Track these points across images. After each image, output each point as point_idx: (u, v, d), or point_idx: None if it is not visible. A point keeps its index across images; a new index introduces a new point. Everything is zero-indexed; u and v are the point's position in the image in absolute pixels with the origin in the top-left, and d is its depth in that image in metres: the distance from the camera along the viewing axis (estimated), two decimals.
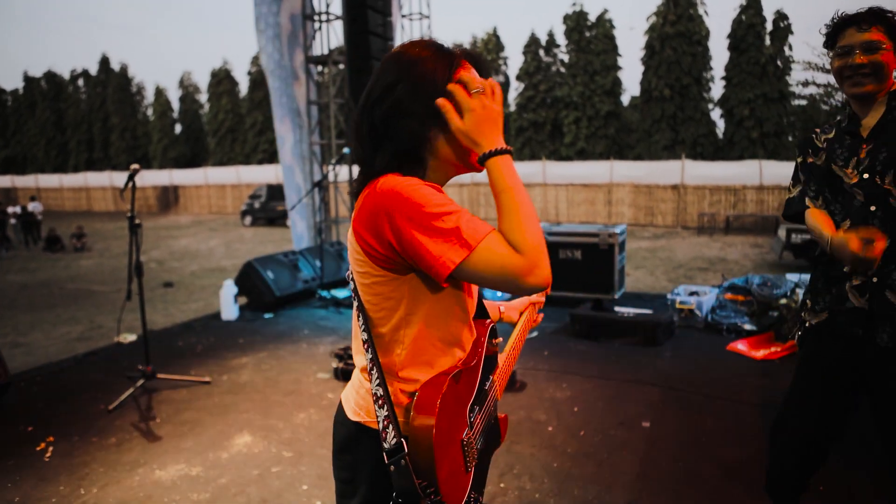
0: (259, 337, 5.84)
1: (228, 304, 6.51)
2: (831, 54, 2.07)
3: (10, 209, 19.37)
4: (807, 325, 2.21)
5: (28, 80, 48.20)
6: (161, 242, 19.09)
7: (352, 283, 1.30)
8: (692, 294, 6.11)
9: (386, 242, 1.14)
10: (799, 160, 2.29)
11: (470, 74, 1.24)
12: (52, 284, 12.04)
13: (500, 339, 1.44)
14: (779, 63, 26.49)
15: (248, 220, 24.43)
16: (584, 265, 6.45)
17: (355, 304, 1.28)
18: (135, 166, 4.30)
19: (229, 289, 6.54)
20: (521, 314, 1.75)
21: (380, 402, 1.19)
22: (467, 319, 1.31)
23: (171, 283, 11.52)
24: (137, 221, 4.36)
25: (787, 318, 5.30)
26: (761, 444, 3.47)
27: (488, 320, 1.41)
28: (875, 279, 2.02)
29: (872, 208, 2.03)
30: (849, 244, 1.87)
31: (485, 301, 1.56)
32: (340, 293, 6.97)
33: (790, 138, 27.89)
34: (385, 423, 1.17)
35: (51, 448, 3.58)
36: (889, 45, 1.96)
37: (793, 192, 2.29)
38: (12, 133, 49.15)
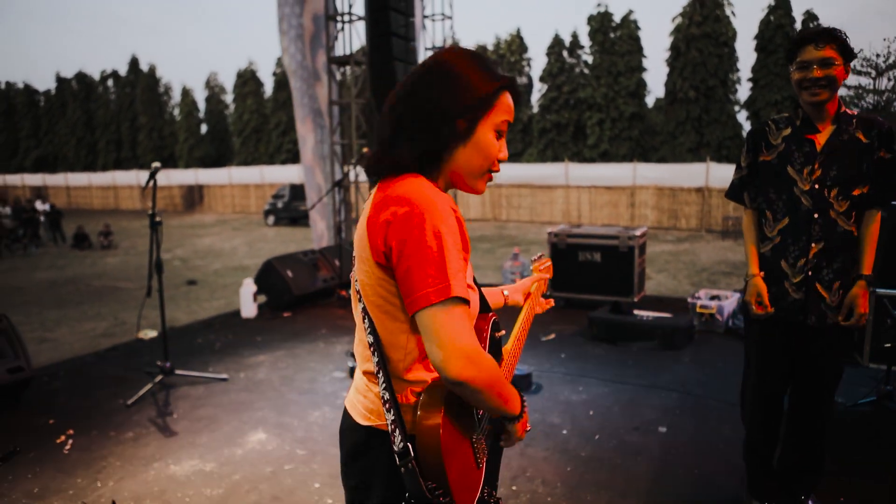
0: (277, 335, 5.88)
1: (248, 303, 6.57)
2: (792, 67, 2.39)
3: (40, 207, 19.79)
4: (752, 315, 2.60)
5: (60, 80, 49.30)
6: (185, 241, 19.36)
7: (355, 284, 1.29)
8: (713, 298, 6.01)
9: (388, 248, 1.16)
10: (746, 150, 2.62)
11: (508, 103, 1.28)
12: (79, 281, 12.28)
13: (503, 331, 1.41)
14: None
15: (271, 219, 24.66)
16: (603, 268, 6.40)
17: (360, 306, 1.28)
18: (156, 164, 4.35)
19: (249, 287, 6.60)
20: (526, 298, 1.74)
21: (387, 405, 1.20)
22: (476, 310, 1.32)
23: (194, 281, 11.68)
24: (158, 219, 4.42)
25: None
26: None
27: (491, 314, 1.40)
28: (810, 272, 2.45)
29: (815, 216, 2.42)
30: (751, 293, 2.54)
31: (486, 289, 1.57)
32: None
33: None
34: (392, 426, 1.18)
35: (70, 441, 3.64)
36: (840, 62, 2.30)
37: (734, 178, 2.70)
38: (44, 133, 50.29)
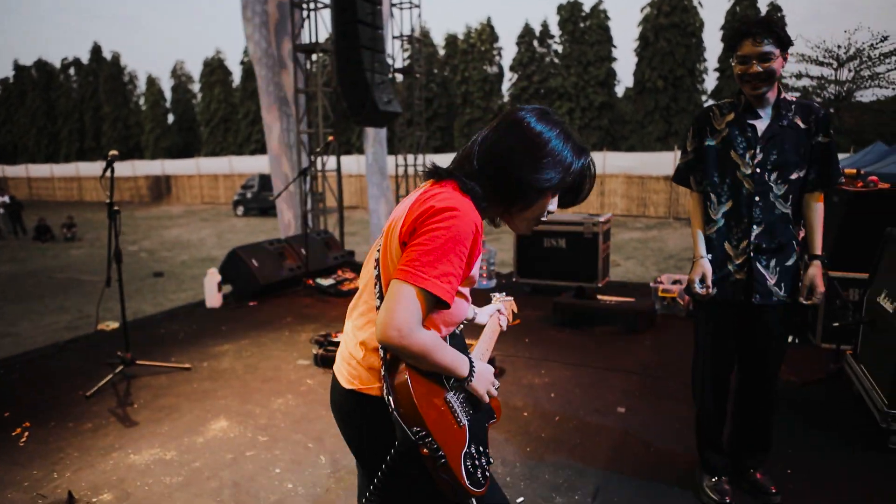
0: (242, 324, 5.84)
1: (212, 293, 6.50)
2: (733, 60, 2.47)
3: None
4: (695, 296, 2.68)
5: (18, 68, 47.85)
6: (152, 233, 19.04)
7: (376, 253, 1.47)
8: (675, 282, 6.13)
9: (413, 229, 1.35)
10: (692, 135, 2.68)
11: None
12: (42, 274, 12.02)
13: (462, 326, 1.61)
14: None
15: (240, 210, 24.38)
16: (568, 254, 6.47)
17: (375, 273, 1.45)
18: (113, 153, 4.28)
19: (213, 277, 6.53)
20: (490, 316, 1.94)
21: (382, 369, 1.38)
22: (459, 320, 1.50)
23: (161, 273, 11.52)
24: (116, 208, 4.36)
25: None
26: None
27: None
28: (751, 253, 2.55)
29: (757, 199, 2.52)
30: (696, 273, 2.61)
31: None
32: (324, 281, 6.96)
33: None
34: (381, 384, 1.37)
35: (27, 433, 3.58)
36: (778, 53, 2.37)
37: (680, 162, 2.78)
38: (2, 122, 48.88)
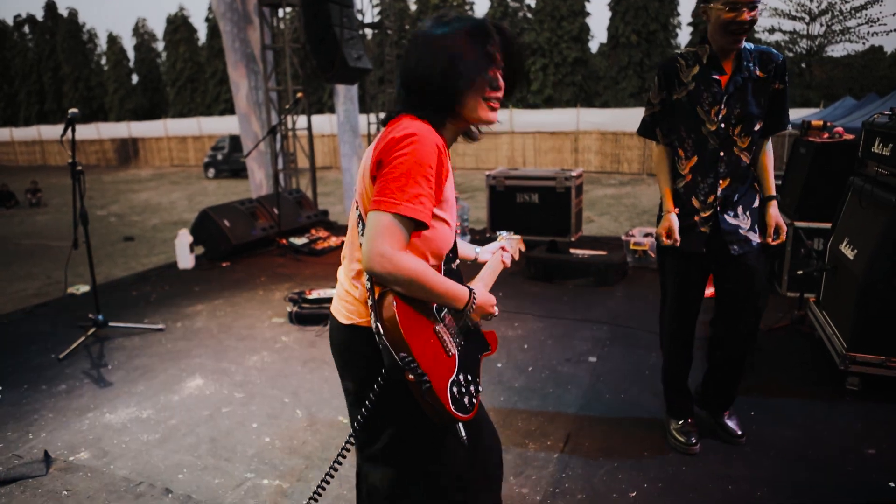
0: (215, 285, 5.80)
1: (184, 254, 6.43)
2: (716, 4, 2.35)
3: None
4: (663, 246, 2.70)
5: None
6: (121, 196, 18.64)
7: (356, 196, 1.53)
8: (647, 235, 6.21)
9: (379, 162, 1.40)
10: (658, 87, 2.62)
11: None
12: (7, 241, 11.74)
13: (458, 261, 1.69)
14: None
15: (211, 172, 23.93)
16: (541, 208, 6.51)
17: (356, 214, 1.53)
18: (73, 110, 4.16)
19: (185, 238, 6.45)
20: (493, 254, 1.96)
21: (369, 296, 1.44)
22: (447, 248, 1.54)
23: (131, 238, 11.32)
24: (79, 167, 4.25)
25: None
26: (699, 375, 3.61)
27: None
28: (718, 208, 2.59)
29: (721, 154, 2.53)
30: (663, 226, 2.60)
31: (462, 242, 1.91)
32: (298, 241, 6.92)
33: None
34: (371, 313, 1.42)
35: None
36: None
37: (645, 114, 2.73)
38: None
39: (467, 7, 32.54)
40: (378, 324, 1.38)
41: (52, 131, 34.68)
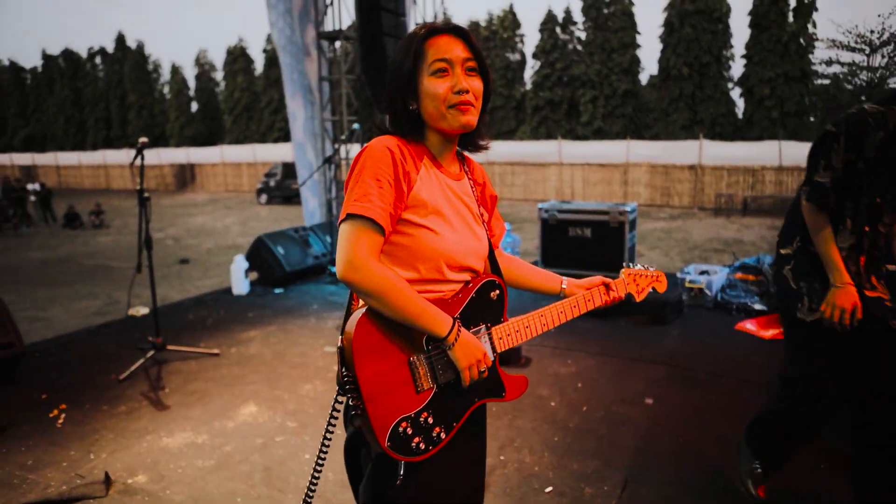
0: (268, 311, 5.90)
1: (239, 279, 6.58)
2: None
3: (30, 186, 19.64)
4: (802, 319, 2.32)
5: (46, 58, 48.55)
6: (177, 220, 19.28)
7: None
8: (702, 273, 6.06)
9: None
10: (845, 148, 2.17)
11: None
12: (71, 260, 12.24)
13: (498, 291, 1.54)
14: (801, 41, 25.91)
15: (263, 198, 24.55)
16: (593, 243, 6.42)
17: None
18: (143, 140, 4.33)
19: (240, 264, 6.60)
20: (587, 289, 1.75)
21: (346, 311, 1.44)
22: (444, 261, 1.45)
23: (186, 260, 11.66)
24: (146, 195, 4.41)
25: None
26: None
27: (490, 276, 1.54)
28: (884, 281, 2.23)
29: (890, 231, 2.22)
30: (848, 303, 2.16)
31: (537, 269, 1.79)
32: None
33: (811, 118, 27.38)
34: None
35: (63, 415, 3.67)
36: None
37: (823, 178, 2.22)
38: (32, 111, 49.66)
39: (517, 39, 32.85)
40: (340, 335, 1.36)
41: (116, 156, 36.32)
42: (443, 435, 1.40)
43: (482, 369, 1.42)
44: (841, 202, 2.26)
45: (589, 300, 1.72)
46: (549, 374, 4.20)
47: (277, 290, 6.64)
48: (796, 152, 19.94)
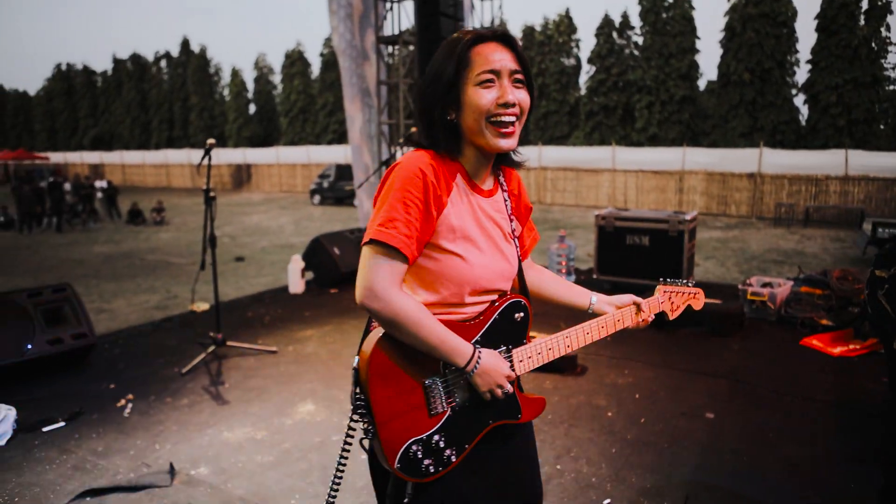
0: (324, 311, 5.99)
1: (296, 278, 6.70)
2: None
3: (98, 184, 20.52)
4: None
5: (116, 61, 50.76)
6: (234, 219, 19.81)
7: None
8: (765, 285, 5.86)
9: None
10: None
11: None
12: (134, 255, 12.72)
13: (522, 314, 1.49)
14: (873, 45, 24.77)
15: (316, 198, 24.99)
16: (651, 252, 6.30)
17: None
18: (211, 141, 4.46)
19: (297, 263, 6.73)
20: (617, 308, 1.67)
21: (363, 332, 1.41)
22: (469, 288, 1.40)
23: (242, 258, 11.96)
24: (212, 195, 4.54)
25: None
26: (831, 444, 3.32)
27: (516, 296, 1.49)
28: None
29: None
30: None
31: (566, 283, 1.71)
32: None
33: (882, 126, 26.15)
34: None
35: (130, 405, 3.81)
36: None
37: None
38: (101, 112, 51.94)
39: (573, 44, 32.55)
40: (356, 356, 1.34)
41: (177, 156, 37.61)
42: (454, 458, 1.38)
43: (504, 393, 1.39)
44: None
45: (619, 320, 1.65)
46: (606, 384, 4.13)
47: (333, 290, 6.74)
48: (864, 161, 19.10)
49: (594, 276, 6.70)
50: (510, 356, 1.45)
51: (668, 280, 1.80)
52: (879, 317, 2.30)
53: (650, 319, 1.70)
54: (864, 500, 2.72)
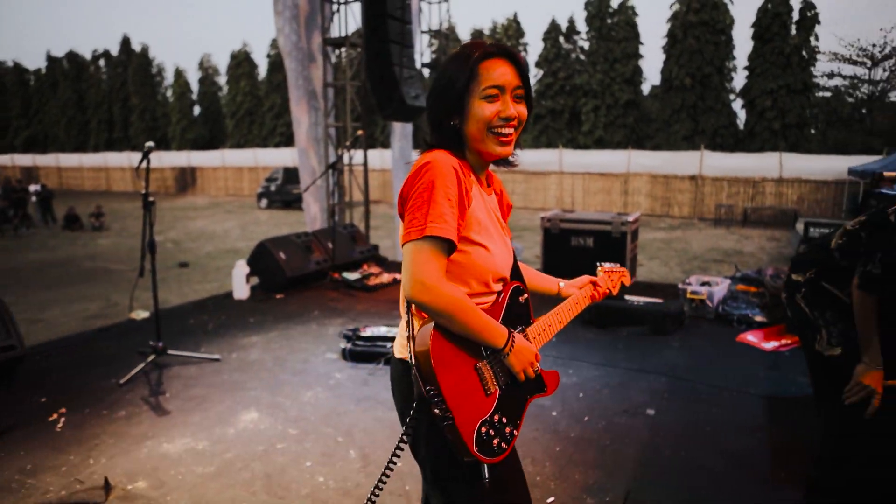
0: (269, 317, 5.89)
1: (240, 284, 6.57)
2: None
3: (32, 187, 19.65)
4: (820, 352, 2.32)
5: (50, 59, 48.68)
6: (177, 223, 19.28)
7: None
8: (704, 284, 6.06)
9: (404, 198, 1.45)
10: None
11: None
12: (71, 263, 12.23)
13: (527, 295, 1.65)
14: (804, 53, 25.98)
15: (264, 202, 24.58)
16: (595, 253, 6.43)
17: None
18: (149, 144, 4.33)
19: (241, 269, 6.60)
20: (580, 288, 1.92)
21: (407, 333, 1.47)
22: (491, 276, 1.54)
23: (186, 264, 11.66)
24: (151, 199, 4.41)
25: None
26: (767, 436, 3.46)
27: (515, 282, 1.63)
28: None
29: None
30: (879, 386, 2.12)
31: (540, 274, 1.93)
32: (351, 276, 6.99)
33: (812, 130, 27.44)
34: (408, 345, 1.44)
35: (63, 419, 3.65)
36: None
37: (876, 269, 2.16)
38: (34, 112, 49.74)
39: (521, 48, 32.95)
40: (412, 356, 1.40)
41: (117, 158, 36.39)
42: (515, 432, 1.49)
43: (535, 370, 1.52)
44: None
45: (586, 297, 1.90)
46: (558, 378, 4.19)
47: (278, 296, 6.63)
48: (797, 164, 20.01)
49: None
50: (526, 335, 1.59)
51: (604, 263, 2.08)
52: (799, 320, 2.40)
53: (607, 290, 1.98)
54: (795, 489, 2.84)
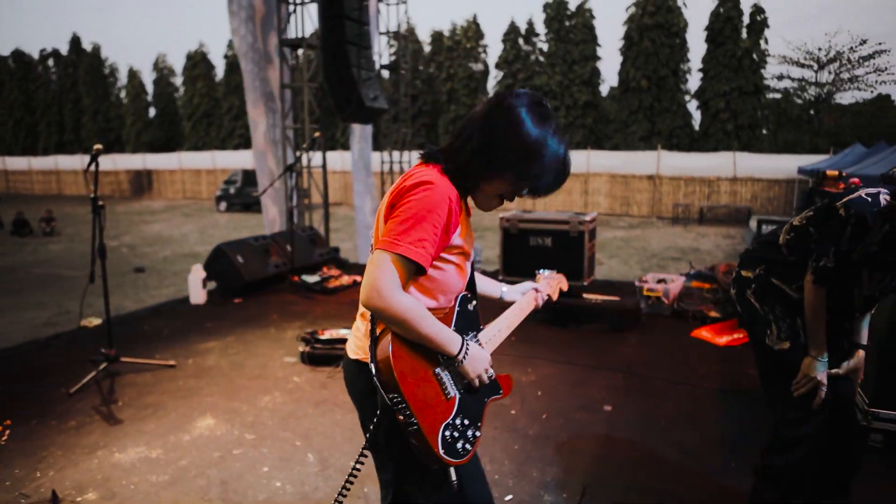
0: (227, 321, 5.79)
1: (197, 289, 6.44)
2: None
3: None
4: (770, 346, 2.38)
5: None
6: (133, 227, 18.80)
7: (371, 236, 1.61)
8: (660, 281, 6.19)
9: (394, 204, 1.47)
10: (854, 236, 2.16)
11: None
12: (19, 269, 11.82)
13: (474, 302, 1.67)
14: (754, 56, 26.79)
15: (222, 205, 24.16)
16: (554, 252, 6.49)
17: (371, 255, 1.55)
18: (98, 146, 4.21)
19: (198, 273, 6.47)
20: (523, 295, 2.02)
21: (369, 340, 1.49)
22: (458, 291, 1.59)
23: (142, 269, 11.38)
24: (101, 203, 4.29)
25: None
26: (720, 429, 3.56)
27: (464, 292, 1.65)
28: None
29: (865, 315, 2.37)
30: (823, 378, 2.22)
31: (487, 279, 1.97)
32: (310, 278, 6.93)
33: (764, 131, 28.28)
34: (369, 352, 1.46)
35: (7, 431, 3.53)
36: None
37: (830, 263, 2.18)
38: None
39: (480, 50, 33.12)
40: (373, 363, 1.41)
41: (69, 161, 35.27)
42: (477, 434, 1.53)
43: (490, 375, 1.57)
44: (845, 285, 2.27)
45: (531, 303, 2.00)
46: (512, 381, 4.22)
47: (236, 300, 6.53)
48: (750, 163, 20.61)
49: (499, 278, 6.83)
50: (478, 341, 1.63)
51: (543, 271, 2.19)
52: (749, 315, 2.46)
53: (546, 298, 2.06)
54: (745, 477, 2.92)
